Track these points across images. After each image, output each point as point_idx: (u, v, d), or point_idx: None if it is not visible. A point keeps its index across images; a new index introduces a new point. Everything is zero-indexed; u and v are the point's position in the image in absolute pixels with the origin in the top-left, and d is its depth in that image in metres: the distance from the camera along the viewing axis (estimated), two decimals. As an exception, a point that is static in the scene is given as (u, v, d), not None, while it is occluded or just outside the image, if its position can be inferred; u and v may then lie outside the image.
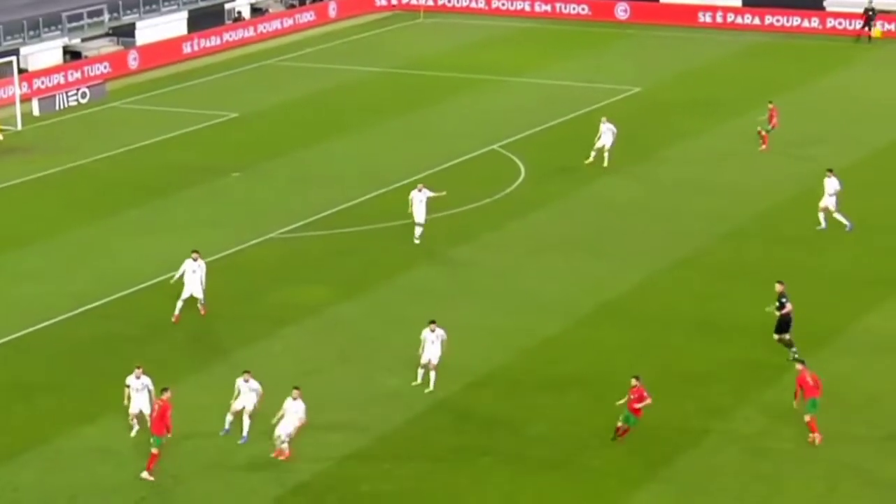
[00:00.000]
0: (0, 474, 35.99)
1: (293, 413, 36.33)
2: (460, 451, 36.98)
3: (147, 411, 37.33)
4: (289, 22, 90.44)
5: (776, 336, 42.11)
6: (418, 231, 51.78)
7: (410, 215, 51.61)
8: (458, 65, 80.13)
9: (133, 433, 37.54)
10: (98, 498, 34.98)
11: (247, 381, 37.30)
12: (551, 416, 38.71)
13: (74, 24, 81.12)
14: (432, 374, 40.23)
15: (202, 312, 45.67)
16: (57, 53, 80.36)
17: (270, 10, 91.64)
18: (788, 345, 41.97)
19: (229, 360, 42.37)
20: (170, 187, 59.39)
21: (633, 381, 36.77)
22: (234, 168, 61.89)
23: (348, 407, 39.36)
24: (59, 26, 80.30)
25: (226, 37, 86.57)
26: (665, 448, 36.74)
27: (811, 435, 36.98)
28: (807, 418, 37.11)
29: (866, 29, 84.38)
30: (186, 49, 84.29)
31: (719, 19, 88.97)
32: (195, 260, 45.91)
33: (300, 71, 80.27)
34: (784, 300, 42.12)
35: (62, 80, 76.71)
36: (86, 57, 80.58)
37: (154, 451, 35.78)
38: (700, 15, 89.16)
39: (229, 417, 37.56)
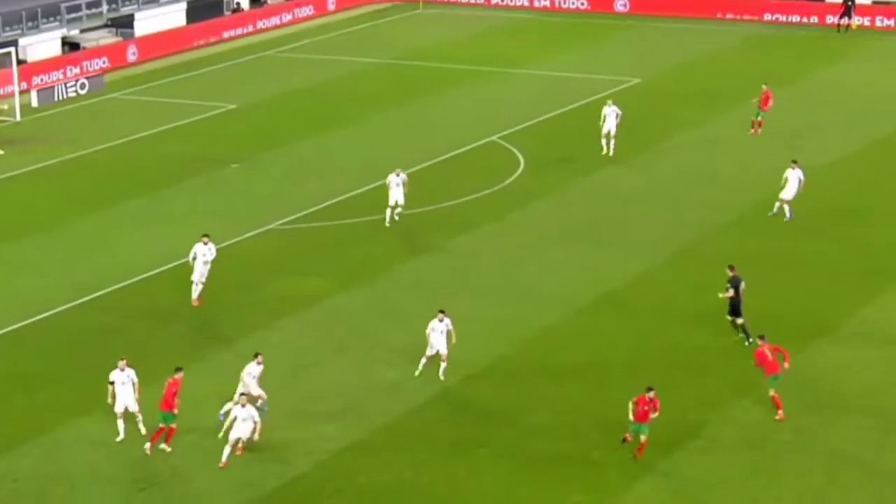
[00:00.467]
0: (-1, 465, 36.11)
1: (244, 420, 35.37)
2: (459, 442, 36.99)
3: (133, 408, 37.09)
4: (287, 14, 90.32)
5: (728, 318, 42.25)
6: (389, 213, 52.04)
7: (388, 198, 52.03)
8: (457, 56, 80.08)
9: (120, 437, 37.06)
10: (96, 488, 34.98)
11: (244, 406, 35.66)
12: (550, 407, 38.71)
13: (73, 16, 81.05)
14: (442, 365, 40.12)
15: (195, 303, 45.64)
16: (55, 45, 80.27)
17: (269, 1, 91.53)
18: (744, 330, 41.99)
19: (228, 351, 42.35)
20: (169, 179, 59.36)
21: (650, 393, 35.72)
22: (232, 159, 61.86)
23: (346, 398, 39.35)
24: (58, 17, 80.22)
25: (225, 27, 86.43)
26: (664, 440, 36.71)
27: (778, 412, 37.48)
28: (770, 393, 37.56)
29: (845, 20, 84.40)
30: (186, 39, 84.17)
31: (719, 11, 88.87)
32: (205, 244, 45.87)
33: (299, 62, 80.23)
34: (737, 283, 42.29)
35: (60, 76, 76.65)
36: (84, 48, 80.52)
37: (166, 426, 36.23)
38: (700, 7, 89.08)
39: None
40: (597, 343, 42.69)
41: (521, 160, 60.61)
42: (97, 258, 50.62)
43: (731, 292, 42.36)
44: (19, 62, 73.59)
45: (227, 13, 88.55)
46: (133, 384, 37.25)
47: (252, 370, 37.72)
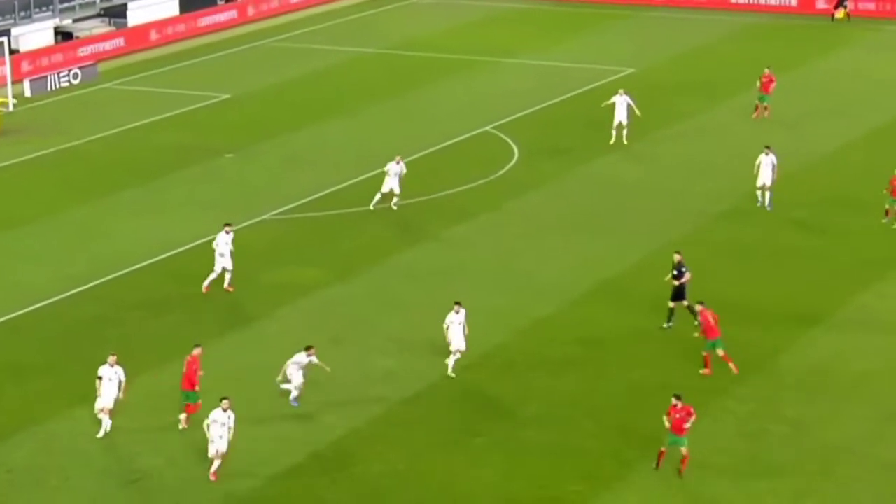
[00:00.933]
0: (-7, 456, 35.99)
1: (223, 425, 34.49)
2: (455, 432, 36.92)
3: (108, 406, 36.49)
4: (281, 1, 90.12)
5: (670, 304, 42.36)
6: (378, 197, 52.18)
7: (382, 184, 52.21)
8: (452, 46, 79.95)
9: (101, 433, 36.82)
10: (91, 480, 34.89)
11: (225, 410, 34.62)
12: (546, 397, 38.65)
13: (66, 5, 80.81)
14: (453, 358, 39.86)
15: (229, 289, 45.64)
16: (48, 34, 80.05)
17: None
18: (691, 311, 42.08)
19: (223, 342, 42.26)
20: (163, 168, 59.21)
21: (675, 401, 34.65)
22: (227, 149, 61.72)
23: (342, 388, 39.28)
24: (51, 7, 79.98)
25: (218, 17, 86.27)
26: (659, 429, 36.65)
27: (706, 370, 39.16)
28: (720, 353, 38.68)
29: (839, 10, 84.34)
30: (178, 29, 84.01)
31: (716, 1, 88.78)
32: (228, 233, 45.73)
33: (293, 52, 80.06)
34: (683, 269, 42.41)
35: (50, 61, 76.49)
36: (77, 38, 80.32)
37: (189, 403, 36.57)
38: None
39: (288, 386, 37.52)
40: (593, 333, 42.62)
41: (516, 150, 60.52)
42: (91, 248, 50.49)
43: (686, 276, 42.31)
44: (12, 52, 73.36)
45: (220, 2, 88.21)
46: (119, 382, 36.80)
47: (299, 359, 37.50)
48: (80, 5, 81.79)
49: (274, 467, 35.18)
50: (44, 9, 79.50)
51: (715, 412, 37.51)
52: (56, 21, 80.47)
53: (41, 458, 35.84)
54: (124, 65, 77.96)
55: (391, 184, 52.27)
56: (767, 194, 52.47)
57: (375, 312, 44.51)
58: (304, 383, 37.96)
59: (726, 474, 34.70)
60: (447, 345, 39.89)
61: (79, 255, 49.91)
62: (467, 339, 39.95)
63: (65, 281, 47.13)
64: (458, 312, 39.92)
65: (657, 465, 34.46)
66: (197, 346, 37.47)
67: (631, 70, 73.35)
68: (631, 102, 59.98)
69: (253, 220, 52.71)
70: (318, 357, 38.08)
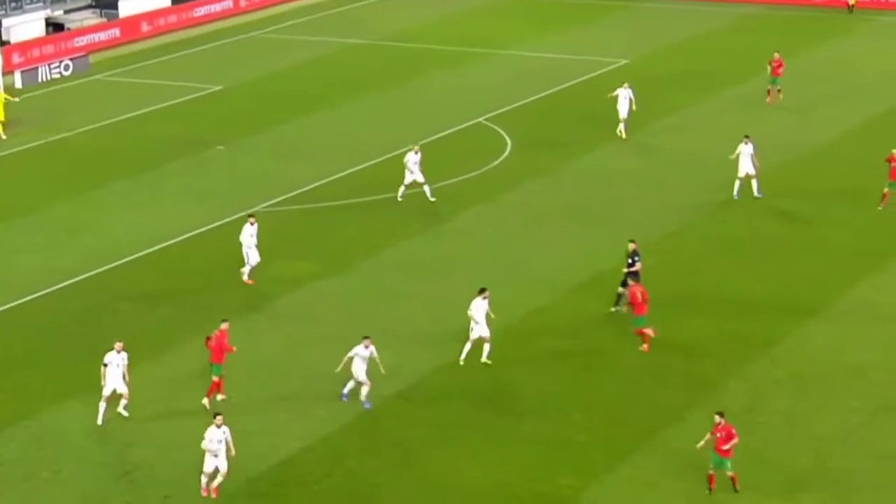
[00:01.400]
0: (-16, 449, 35.86)
1: (220, 442, 33.48)
2: (447, 425, 36.83)
3: (121, 389, 36.76)
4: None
5: (620, 289, 42.58)
6: (402, 190, 52.25)
7: (407, 177, 52.02)
8: (444, 37, 79.79)
9: (100, 420, 36.76)
10: (83, 472, 34.81)
11: (219, 426, 33.54)
12: (539, 389, 38.56)
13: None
14: (487, 347, 39.82)
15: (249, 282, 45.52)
16: (39, 25, 79.79)
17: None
18: (619, 298, 42.44)
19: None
20: (154, 160, 59.04)
21: (718, 419, 33.40)
22: (218, 141, 61.57)
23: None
24: (42, -2, 79.80)
25: (210, 8, 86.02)
26: (650, 421, 36.65)
27: (643, 345, 39.81)
28: (646, 330, 39.37)
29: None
30: (170, 20, 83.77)
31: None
32: (252, 224, 45.59)
33: (284, 43, 79.87)
34: (636, 258, 42.52)
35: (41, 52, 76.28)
36: (69, 29, 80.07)
37: (215, 378, 37.21)
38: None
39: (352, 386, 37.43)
40: (587, 324, 42.53)
41: (509, 141, 60.40)
42: (83, 240, 50.34)
43: (638, 265, 42.53)
44: (2, 43, 73.12)
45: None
46: (124, 367, 36.93)
47: (359, 351, 37.26)
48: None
49: (266, 461, 35.07)
50: (35, 0, 79.24)
51: (706, 406, 37.41)
52: (47, 12, 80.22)
53: (32, 451, 35.74)
54: (116, 56, 77.75)
55: (414, 174, 51.97)
56: (754, 182, 52.39)
57: (369, 305, 44.40)
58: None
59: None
60: (469, 332, 39.80)
61: (69, 247, 49.76)
62: (491, 325, 39.97)
63: (56, 273, 46.98)
64: (484, 299, 39.82)
65: (710, 489, 33.25)
66: (224, 320, 38.17)
67: (625, 61, 73.25)
68: (632, 96, 59.84)
69: (245, 212, 52.52)
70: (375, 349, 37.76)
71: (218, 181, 56.52)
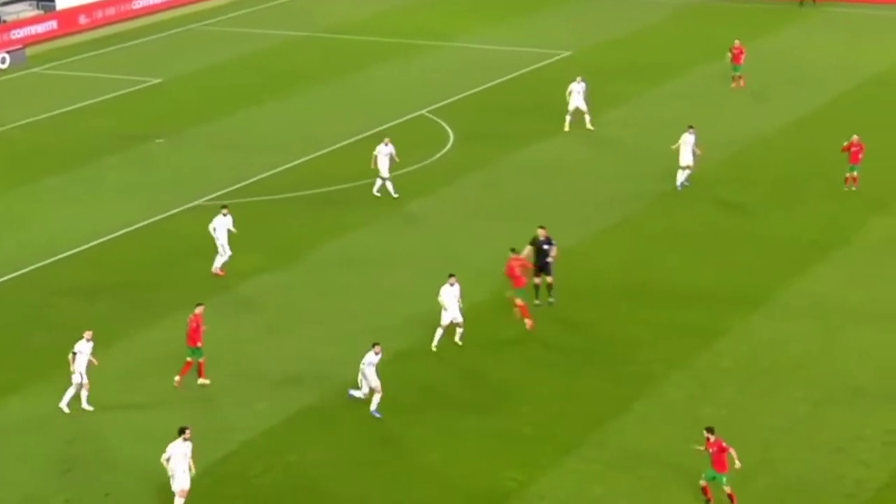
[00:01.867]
0: (-81, 448, 35.21)
1: (185, 457, 32.31)
2: (391, 419, 36.48)
3: (84, 380, 36.53)
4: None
5: (535, 280, 42.45)
6: (379, 184, 51.53)
7: (375, 170, 51.46)
8: (386, 29, 79.37)
9: (66, 405, 36.57)
10: (26, 468, 34.31)
11: (186, 440, 32.39)
12: (484, 383, 38.27)
13: (-7, -11, 79.64)
14: (459, 331, 40.02)
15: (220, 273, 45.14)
16: (-25, 18, 78.83)
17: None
18: (536, 289, 42.48)
19: (155, 329, 41.65)
20: (92, 155, 58.36)
21: (707, 435, 32.31)
22: (157, 135, 60.91)
23: (279, 376, 38.75)
24: (-22, -10, 78.78)
25: (149, 0, 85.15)
26: (596, 414, 36.48)
27: (527, 322, 40.24)
28: (518, 302, 40.10)
29: None
30: (108, 13, 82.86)
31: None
32: (225, 215, 45.14)
33: (225, 36, 79.19)
34: (546, 246, 42.55)
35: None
36: (5, 21, 79.04)
37: (194, 360, 37.64)
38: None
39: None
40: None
41: (451, 134, 60.09)
42: (19, 235, 49.66)
43: (554, 251, 42.52)
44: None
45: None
46: (89, 357, 36.80)
47: (371, 359, 36.45)
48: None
49: (207, 456, 34.56)
50: (-30, -8, 78.31)
51: (652, 397, 37.29)
52: (-17, 5, 79.24)
53: (-31, 450, 35.17)
54: (53, 49, 76.85)
55: (382, 166, 51.52)
56: (686, 172, 52.35)
57: (314, 298, 43.99)
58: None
59: (665, 459, 34.44)
60: (440, 317, 39.79)
61: (4, 242, 49.06)
62: (463, 311, 40.03)
63: (-8, 268, 46.31)
64: (452, 285, 39.83)
65: (707, 500, 32.39)
66: (199, 304, 38.35)
67: (568, 53, 73.09)
68: (580, 89, 59.47)
69: (185, 206, 51.98)
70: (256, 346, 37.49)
71: (157, 175, 55.89)
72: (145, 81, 69.50)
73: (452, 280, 40.18)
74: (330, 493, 33.37)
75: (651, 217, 50.50)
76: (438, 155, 57.38)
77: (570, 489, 33.29)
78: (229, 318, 42.31)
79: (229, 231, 45.32)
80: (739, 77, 65.10)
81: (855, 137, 51.73)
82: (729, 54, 65.58)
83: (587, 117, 59.65)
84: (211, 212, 51.24)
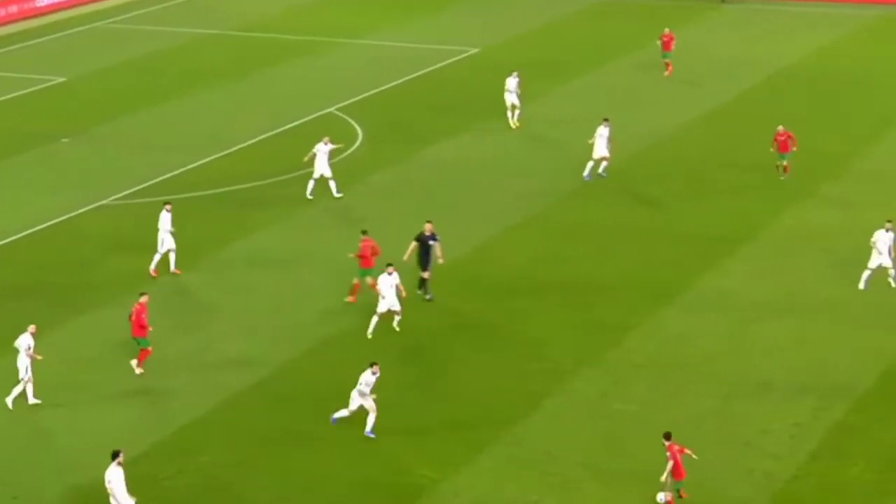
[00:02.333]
0: None
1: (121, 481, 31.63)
2: (301, 419, 36.33)
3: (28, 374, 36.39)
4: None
5: (423, 275, 43.01)
6: (311, 186, 51.24)
7: (309, 166, 51.30)
8: (295, 27, 78.95)
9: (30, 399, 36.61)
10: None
11: (120, 464, 31.60)
12: (395, 382, 38.14)
13: None
14: (396, 318, 40.72)
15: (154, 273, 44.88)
16: None
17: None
18: (422, 281, 42.96)
19: (65, 330, 41.22)
20: (-3, 154, 57.62)
21: (665, 442, 32.23)
22: (62, 134, 60.19)
23: (188, 376, 38.46)
24: None
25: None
26: (508, 412, 36.53)
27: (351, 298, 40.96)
28: (369, 281, 40.66)
29: None
30: (10, 10, 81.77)
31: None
32: (169, 212, 44.80)
33: (130, 34, 78.36)
34: (430, 241, 42.89)
35: None
36: None
37: (143, 349, 38.11)
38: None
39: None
40: (436, 316, 42.26)
41: (360, 132, 59.96)
42: (-78, 236, 48.85)
43: (438, 248, 42.83)
44: None
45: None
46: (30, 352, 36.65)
47: (367, 379, 35.61)
48: None
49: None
50: None
51: (563, 394, 37.44)
52: None
53: None
54: (-46, 47, 75.73)
55: (321, 168, 51.10)
56: (603, 164, 52.61)
57: (220, 298, 43.70)
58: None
59: (576, 454, 34.58)
60: (376, 304, 40.48)
61: None
62: (402, 300, 40.63)
63: None
64: (391, 274, 40.47)
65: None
66: (143, 293, 38.72)
67: (475, 50, 73.17)
68: (511, 87, 59.38)
69: (92, 206, 51.44)
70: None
71: (63, 175, 55.26)
72: (49, 80, 68.65)
73: (391, 269, 40.51)
74: (243, 495, 33.16)
75: (561, 212, 50.69)
76: (347, 153, 57.20)
77: (484, 487, 33.32)
78: (138, 319, 41.88)
79: (170, 230, 44.83)
80: (667, 63, 65.74)
81: (780, 128, 52.33)
82: (658, 42, 66.45)
83: (517, 112, 59.62)
84: (119, 210, 50.83)
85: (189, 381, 38.12)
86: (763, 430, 35.58)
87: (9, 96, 66.11)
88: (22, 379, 36.62)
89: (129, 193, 52.70)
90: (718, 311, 42.63)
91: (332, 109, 63.15)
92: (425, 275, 43.05)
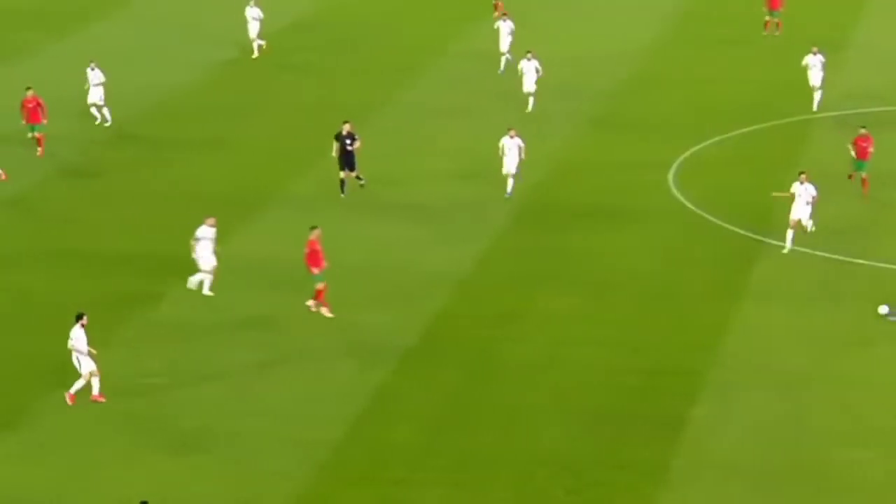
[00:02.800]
0: None
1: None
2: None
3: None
4: None
5: (341, 174, 44.94)
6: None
7: None
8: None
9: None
10: None
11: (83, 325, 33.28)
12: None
13: None
14: (510, 182, 45.69)
15: None
16: None
17: None
18: (342, 182, 45.40)
19: None
20: None
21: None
22: None
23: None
24: None
25: None
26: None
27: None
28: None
29: None
30: None
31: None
32: None
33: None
34: (349, 142, 45.12)
35: None
36: None
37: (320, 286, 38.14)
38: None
39: None
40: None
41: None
42: None
43: (357, 143, 44.47)
44: None
45: None
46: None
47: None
48: None
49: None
50: None
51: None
52: None
53: None
54: None
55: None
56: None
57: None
58: None
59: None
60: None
61: None
62: (520, 165, 45.62)
63: None
64: (512, 138, 45.46)
65: None
66: (314, 227, 38.75)
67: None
68: (538, 67, 55.04)
69: None
70: None
71: None
72: None
73: (512, 133, 45.53)
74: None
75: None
76: None
77: None
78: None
79: None
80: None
81: (862, 130, 46.39)
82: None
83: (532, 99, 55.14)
84: None
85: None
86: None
87: None
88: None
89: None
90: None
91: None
92: (342, 174, 45.51)
